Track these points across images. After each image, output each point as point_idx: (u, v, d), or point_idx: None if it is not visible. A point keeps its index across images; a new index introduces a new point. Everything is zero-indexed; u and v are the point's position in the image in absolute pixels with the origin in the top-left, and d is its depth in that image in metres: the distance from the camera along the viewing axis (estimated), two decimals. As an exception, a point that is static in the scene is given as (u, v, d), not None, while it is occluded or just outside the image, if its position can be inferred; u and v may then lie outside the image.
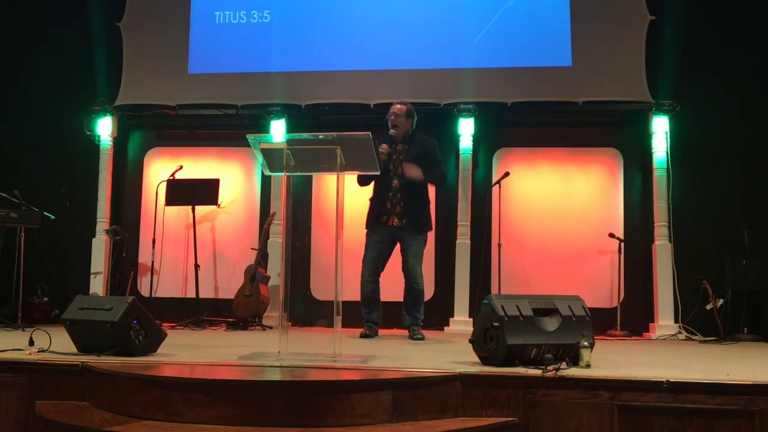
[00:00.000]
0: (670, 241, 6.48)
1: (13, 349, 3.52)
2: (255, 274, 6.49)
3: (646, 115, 6.68)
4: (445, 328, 6.52)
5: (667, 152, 6.57)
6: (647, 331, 6.47)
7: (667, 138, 6.57)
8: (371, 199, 5.33)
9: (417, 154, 5.21)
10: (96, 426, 2.79)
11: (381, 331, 5.43)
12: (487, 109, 6.85)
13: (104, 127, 7.15)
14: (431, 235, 6.83)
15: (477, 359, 3.41)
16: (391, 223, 5.17)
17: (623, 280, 6.56)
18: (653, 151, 6.61)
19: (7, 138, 7.39)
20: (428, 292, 6.80)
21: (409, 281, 5.20)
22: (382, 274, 5.30)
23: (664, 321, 6.32)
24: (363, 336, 5.19)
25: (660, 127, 6.58)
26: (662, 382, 2.97)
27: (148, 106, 7.23)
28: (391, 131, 5.22)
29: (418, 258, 5.18)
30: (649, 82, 6.58)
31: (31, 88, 7.42)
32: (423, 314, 5.27)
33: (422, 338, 5.12)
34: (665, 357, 4.15)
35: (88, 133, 7.17)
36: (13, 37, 7.49)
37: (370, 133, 3.50)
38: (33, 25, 7.49)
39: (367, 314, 5.27)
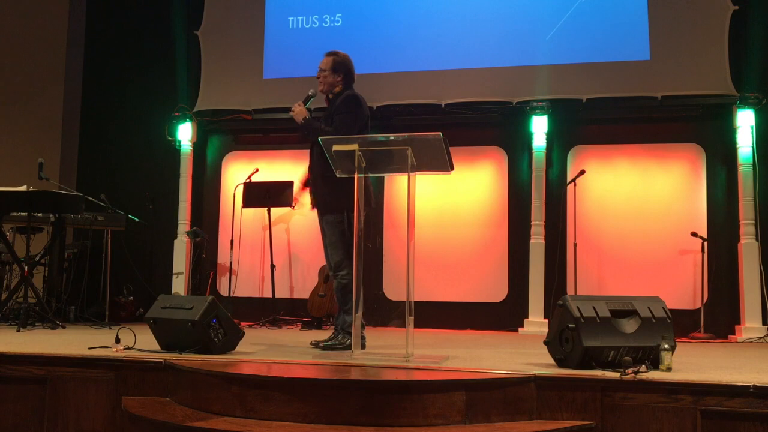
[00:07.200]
0: (757, 240, 6.21)
1: (101, 347, 3.69)
2: (329, 275, 6.57)
3: (730, 108, 6.43)
4: (520, 329, 6.44)
5: (753, 147, 6.30)
6: (733, 333, 6.21)
7: (752, 132, 6.31)
8: None
9: (327, 116, 4.26)
10: (178, 421, 2.88)
11: (442, 331, 5.08)
12: (561, 106, 6.74)
13: (184, 133, 7.42)
14: (502, 235, 6.83)
15: (552, 361, 3.35)
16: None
17: (707, 280, 6.32)
18: (738, 146, 6.35)
19: (100, 146, 7.82)
20: (501, 292, 6.77)
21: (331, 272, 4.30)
22: None
23: (751, 323, 6.07)
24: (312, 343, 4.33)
25: (745, 121, 6.32)
26: (749, 386, 2.85)
27: (226, 111, 7.47)
28: (311, 90, 4.33)
29: (333, 245, 4.28)
30: (732, 74, 6.34)
31: (118, 99, 7.81)
32: (350, 316, 3.88)
33: (331, 346, 4.01)
34: (752, 360, 3.98)
35: (170, 138, 7.46)
36: (108, 52, 7.89)
37: (440, 133, 3.49)
38: (121, 39, 7.86)
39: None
